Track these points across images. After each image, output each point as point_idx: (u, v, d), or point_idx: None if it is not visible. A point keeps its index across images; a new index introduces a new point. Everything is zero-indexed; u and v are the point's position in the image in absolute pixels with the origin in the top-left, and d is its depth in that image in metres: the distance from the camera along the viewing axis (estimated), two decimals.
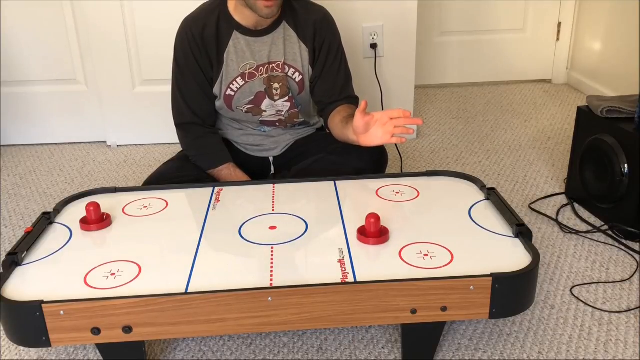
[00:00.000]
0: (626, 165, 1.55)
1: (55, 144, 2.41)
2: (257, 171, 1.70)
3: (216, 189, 1.45)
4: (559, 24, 2.94)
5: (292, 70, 1.60)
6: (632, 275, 1.45)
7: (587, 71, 2.82)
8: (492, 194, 1.35)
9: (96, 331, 1.01)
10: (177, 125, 1.65)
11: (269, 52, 1.56)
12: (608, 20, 2.62)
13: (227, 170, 1.61)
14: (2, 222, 1.79)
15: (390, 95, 2.25)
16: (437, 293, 1.04)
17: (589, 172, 1.70)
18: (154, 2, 2.15)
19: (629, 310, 1.32)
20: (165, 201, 1.39)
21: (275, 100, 1.62)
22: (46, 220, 1.30)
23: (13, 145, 2.40)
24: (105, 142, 2.40)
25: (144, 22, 2.19)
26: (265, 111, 1.63)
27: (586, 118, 1.71)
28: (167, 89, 2.26)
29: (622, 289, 1.40)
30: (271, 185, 1.46)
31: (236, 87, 1.58)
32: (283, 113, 1.64)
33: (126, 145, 2.37)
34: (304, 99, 1.66)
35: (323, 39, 1.59)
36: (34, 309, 0.99)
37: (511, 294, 1.06)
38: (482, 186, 1.40)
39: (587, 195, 1.71)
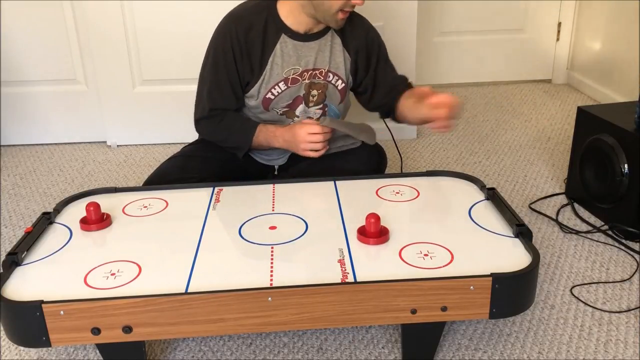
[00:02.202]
0: (626, 165, 1.55)
1: (55, 144, 2.41)
2: (260, 175, 1.70)
3: (216, 189, 1.45)
4: (559, 24, 2.94)
5: (335, 77, 1.58)
6: (632, 275, 1.45)
7: (587, 71, 2.82)
8: (492, 194, 1.35)
9: (96, 331, 1.01)
10: (197, 120, 1.60)
11: (315, 58, 1.54)
12: (608, 20, 2.62)
13: (263, 133, 1.57)
14: (2, 222, 1.79)
15: None
16: (437, 293, 1.04)
17: (589, 172, 1.70)
18: (154, 2, 2.15)
19: (629, 310, 1.32)
20: (165, 201, 1.39)
21: (309, 107, 1.61)
22: (46, 220, 1.30)
23: (13, 145, 2.40)
24: (105, 142, 2.40)
25: (144, 22, 2.19)
26: (297, 116, 1.62)
27: (586, 118, 1.71)
28: (167, 88, 2.28)
29: (622, 289, 1.40)
30: (271, 185, 1.46)
31: (277, 92, 1.55)
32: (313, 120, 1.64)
33: (126, 145, 2.37)
34: (343, 108, 1.66)
35: (373, 51, 1.60)
36: (34, 309, 0.99)
37: (511, 294, 1.06)
38: (482, 186, 1.40)
39: (587, 195, 1.71)
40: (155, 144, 2.36)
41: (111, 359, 1.08)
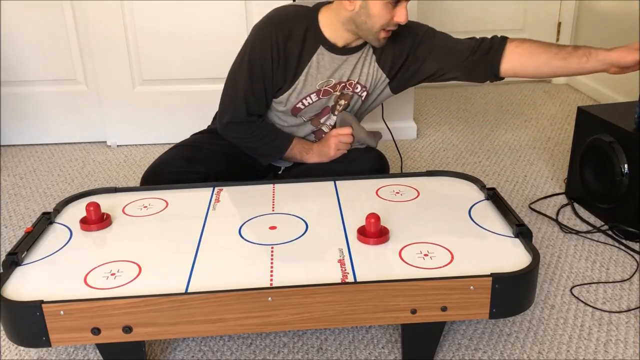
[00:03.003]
0: (626, 165, 1.55)
1: (55, 144, 2.41)
2: (264, 174, 1.69)
3: (216, 189, 1.45)
4: (559, 24, 2.94)
5: (361, 88, 1.58)
6: (632, 275, 1.45)
7: None
8: (492, 194, 1.35)
9: (96, 331, 1.01)
10: (227, 123, 1.56)
11: (350, 71, 1.53)
12: (608, 20, 2.62)
13: (298, 146, 1.60)
14: (2, 222, 1.79)
15: None
16: (437, 293, 1.04)
17: (589, 172, 1.70)
18: (154, 2, 2.15)
19: (629, 310, 1.32)
20: (165, 201, 1.39)
21: (334, 115, 1.61)
22: (46, 220, 1.30)
23: (13, 145, 2.40)
24: (105, 142, 2.40)
25: (144, 22, 2.18)
26: (322, 123, 1.63)
27: (586, 118, 1.71)
28: (167, 88, 2.28)
29: (622, 289, 1.40)
30: (271, 185, 1.46)
31: (308, 103, 1.55)
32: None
33: (126, 145, 2.37)
34: (358, 112, 1.66)
35: (414, 45, 1.54)
36: (34, 309, 0.99)
37: (511, 294, 1.06)
38: (482, 186, 1.40)
39: (587, 195, 1.71)
40: (155, 144, 2.36)
41: (111, 359, 1.09)
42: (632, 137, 1.52)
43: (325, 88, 1.53)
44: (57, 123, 2.38)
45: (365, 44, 1.53)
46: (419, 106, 2.71)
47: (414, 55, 1.56)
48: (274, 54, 1.47)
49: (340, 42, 1.50)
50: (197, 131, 1.73)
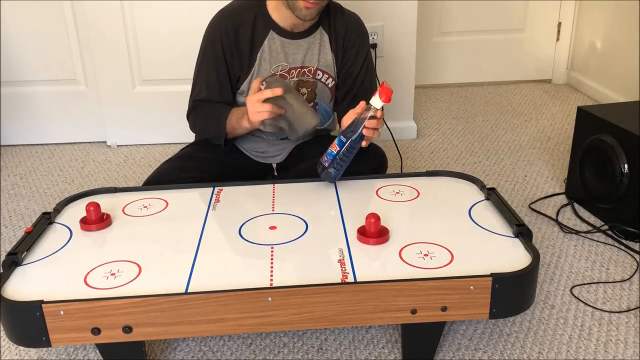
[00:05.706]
0: (626, 165, 1.55)
1: (55, 144, 2.41)
2: (260, 175, 1.69)
3: (216, 189, 1.45)
4: (559, 24, 2.94)
5: (325, 75, 1.59)
6: (632, 275, 1.45)
7: (587, 71, 2.82)
8: (492, 194, 1.35)
9: (96, 331, 1.01)
10: (187, 116, 1.62)
11: (303, 56, 1.55)
12: (608, 20, 2.62)
13: (235, 113, 1.50)
14: (2, 222, 1.79)
15: None
16: (437, 293, 1.04)
17: (589, 172, 1.70)
18: (154, 2, 2.15)
19: (629, 310, 1.32)
20: (165, 201, 1.39)
21: None
22: (46, 220, 1.30)
23: (13, 145, 2.40)
24: (105, 142, 2.40)
25: (144, 22, 2.19)
26: None
27: (586, 118, 1.71)
28: (167, 88, 2.28)
29: (622, 289, 1.40)
30: (271, 185, 1.46)
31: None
32: None
33: (126, 145, 2.37)
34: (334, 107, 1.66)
35: (352, 45, 1.59)
36: (34, 309, 0.99)
37: (511, 294, 1.06)
38: (482, 186, 1.40)
39: (587, 195, 1.71)
40: (155, 144, 2.36)
41: (111, 359, 1.09)
42: (633, 137, 1.52)
43: (281, 73, 1.55)
44: (57, 123, 2.38)
45: (315, 28, 1.55)
46: (419, 106, 2.71)
47: (354, 60, 1.59)
48: (225, 44, 1.51)
49: (287, 24, 1.52)
50: (190, 139, 1.74)
